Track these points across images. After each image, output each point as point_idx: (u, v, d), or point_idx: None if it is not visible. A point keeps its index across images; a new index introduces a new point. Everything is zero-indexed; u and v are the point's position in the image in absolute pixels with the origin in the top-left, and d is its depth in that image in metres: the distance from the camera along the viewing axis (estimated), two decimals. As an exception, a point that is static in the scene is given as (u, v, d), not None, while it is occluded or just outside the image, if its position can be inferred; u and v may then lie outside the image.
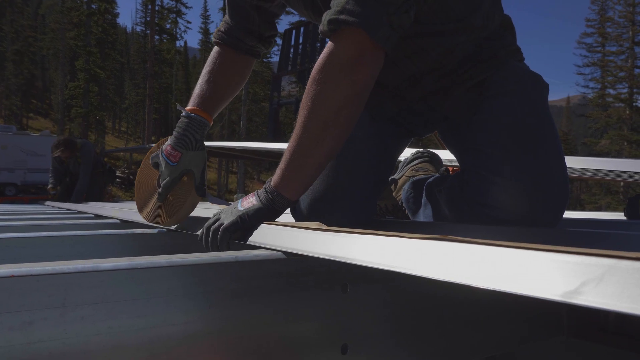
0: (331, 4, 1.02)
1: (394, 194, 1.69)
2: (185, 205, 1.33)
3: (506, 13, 1.34)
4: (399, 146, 1.48)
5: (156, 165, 1.38)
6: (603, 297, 0.40)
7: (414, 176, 1.67)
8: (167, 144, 1.35)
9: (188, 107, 1.37)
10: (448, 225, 1.12)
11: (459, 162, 1.35)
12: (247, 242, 0.96)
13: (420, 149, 1.90)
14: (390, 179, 1.73)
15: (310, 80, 1.02)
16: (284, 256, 0.81)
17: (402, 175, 1.73)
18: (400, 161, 1.78)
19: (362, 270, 0.85)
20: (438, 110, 1.36)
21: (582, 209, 39.42)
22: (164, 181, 1.34)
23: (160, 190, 1.35)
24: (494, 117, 1.21)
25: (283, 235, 0.86)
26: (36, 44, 40.11)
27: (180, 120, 1.37)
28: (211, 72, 1.44)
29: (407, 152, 1.79)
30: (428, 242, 0.57)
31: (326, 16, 1.01)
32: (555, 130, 1.22)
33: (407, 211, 1.57)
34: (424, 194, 1.49)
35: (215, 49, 1.49)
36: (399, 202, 1.64)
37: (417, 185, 1.57)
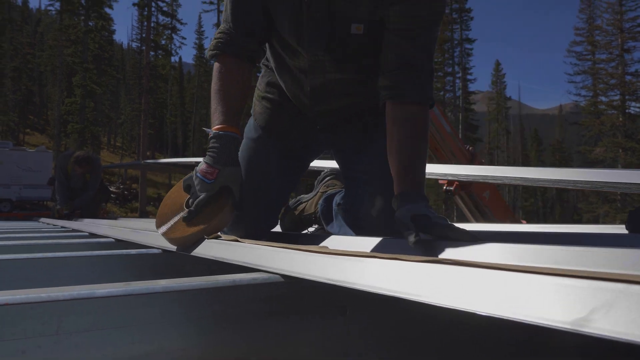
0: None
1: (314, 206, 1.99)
2: (216, 220, 1.29)
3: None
4: (302, 169, 1.78)
5: (188, 188, 1.38)
6: (615, 325, 0.38)
7: (325, 192, 1.97)
8: (202, 164, 1.35)
9: (215, 127, 1.38)
10: (430, 242, 1.11)
11: (344, 183, 1.71)
12: (244, 264, 0.94)
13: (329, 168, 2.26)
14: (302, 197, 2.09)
15: None
16: (281, 279, 0.80)
17: (317, 192, 2.03)
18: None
19: (361, 293, 0.84)
20: (332, 144, 1.71)
21: (580, 218, 39.40)
22: (198, 199, 1.32)
23: (191, 207, 1.32)
24: (376, 159, 1.52)
25: (280, 258, 0.84)
26: (34, 60, 40.20)
27: (211, 141, 1.37)
28: (223, 86, 1.42)
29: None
30: (431, 266, 0.56)
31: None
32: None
33: (323, 222, 1.87)
34: (333, 207, 1.79)
35: (218, 65, 1.46)
36: (317, 214, 1.91)
37: (328, 200, 1.88)
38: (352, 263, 0.67)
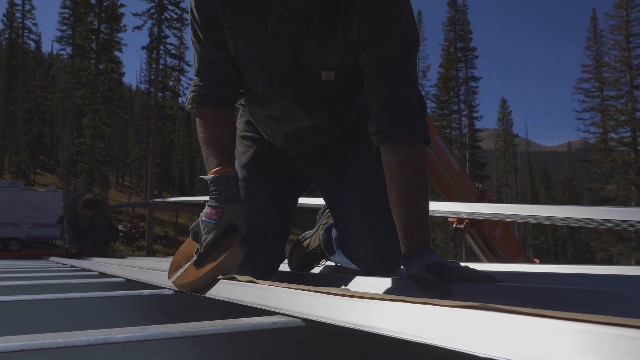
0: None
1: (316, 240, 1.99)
2: (226, 257, 1.27)
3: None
4: (292, 201, 1.80)
5: (196, 235, 1.38)
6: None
7: (326, 223, 1.93)
8: (205, 209, 1.36)
9: (211, 172, 1.39)
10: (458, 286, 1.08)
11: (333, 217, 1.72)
12: (261, 306, 0.91)
13: None
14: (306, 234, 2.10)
15: None
16: (302, 323, 0.77)
17: (319, 225, 2.00)
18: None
19: (383, 337, 0.81)
20: (313, 179, 1.75)
21: (593, 257, 38.80)
22: (206, 240, 1.31)
23: (201, 250, 1.31)
24: (354, 192, 1.58)
25: (300, 300, 0.82)
26: (46, 103, 40.90)
27: (210, 186, 1.38)
28: (210, 134, 1.44)
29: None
30: (466, 312, 0.54)
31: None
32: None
33: (326, 253, 1.87)
34: (332, 238, 1.78)
35: (200, 115, 1.47)
36: (321, 246, 1.91)
37: (328, 231, 1.85)
38: (378, 307, 0.65)
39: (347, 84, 1.41)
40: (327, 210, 2.04)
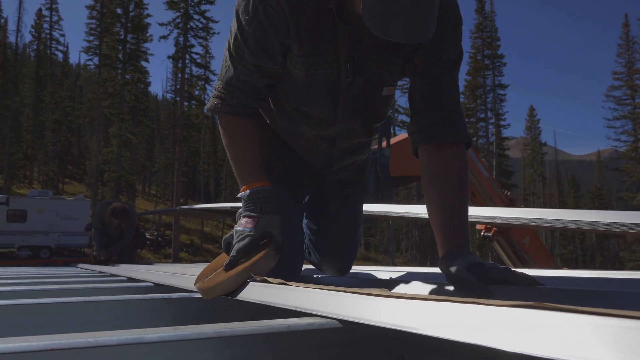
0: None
1: None
2: (260, 260, 1.23)
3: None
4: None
5: (227, 246, 1.35)
6: None
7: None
8: (240, 220, 1.34)
9: (244, 187, 1.37)
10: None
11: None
12: (295, 308, 0.88)
13: None
14: None
15: None
16: (339, 325, 0.74)
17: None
18: None
19: (421, 340, 0.77)
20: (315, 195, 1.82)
21: (622, 267, 37.83)
22: (239, 245, 1.28)
23: (233, 253, 1.27)
24: (335, 219, 1.79)
25: (337, 302, 0.79)
26: (74, 113, 41.85)
27: (247, 199, 1.35)
28: (241, 144, 1.42)
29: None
30: (520, 311, 0.50)
31: None
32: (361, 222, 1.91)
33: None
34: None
35: (226, 125, 1.43)
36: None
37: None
38: (422, 307, 0.61)
39: (392, 101, 1.48)
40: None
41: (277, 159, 1.61)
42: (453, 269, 1.12)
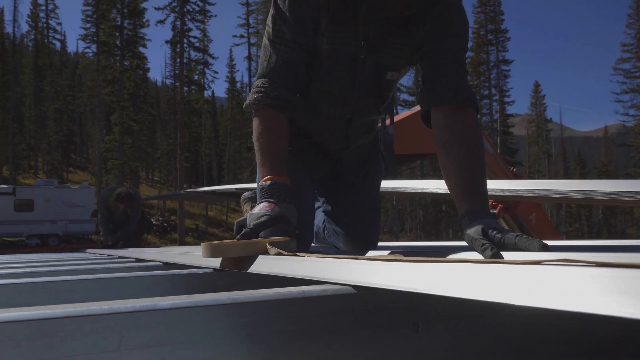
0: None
1: None
2: (277, 239, 1.22)
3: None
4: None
5: (240, 229, 1.36)
6: None
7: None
8: (257, 207, 1.37)
9: (267, 177, 1.42)
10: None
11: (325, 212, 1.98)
12: (308, 277, 0.88)
13: None
14: None
15: None
16: (353, 290, 0.73)
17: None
18: None
19: (435, 307, 0.77)
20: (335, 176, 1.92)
21: (627, 242, 37.69)
22: (257, 221, 1.29)
23: (250, 226, 1.27)
24: (356, 198, 1.88)
25: (351, 268, 0.78)
26: (74, 102, 41.76)
27: (265, 189, 1.41)
28: (271, 137, 1.48)
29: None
30: (540, 268, 0.49)
31: None
32: (380, 202, 1.97)
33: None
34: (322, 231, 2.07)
35: (261, 117, 1.50)
36: None
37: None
38: (440, 269, 0.60)
39: (395, 87, 1.65)
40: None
41: (295, 144, 1.67)
42: (471, 230, 1.13)
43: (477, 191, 1.25)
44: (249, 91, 1.56)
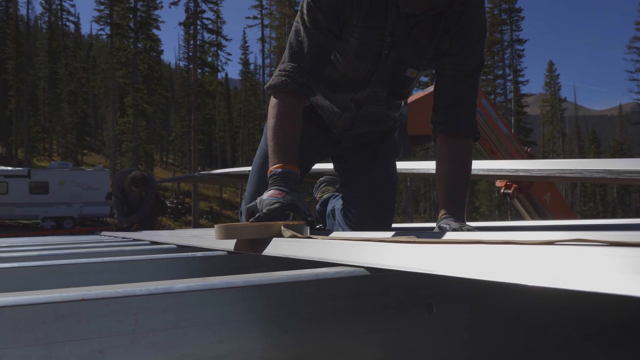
0: None
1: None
2: (291, 223, 1.21)
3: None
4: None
5: (251, 214, 1.37)
6: None
7: (321, 197, 2.45)
8: (266, 192, 1.39)
9: (279, 164, 1.45)
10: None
11: (341, 190, 2.13)
12: (322, 259, 0.87)
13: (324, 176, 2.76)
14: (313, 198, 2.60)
15: None
16: (367, 272, 0.73)
17: (315, 197, 2.51)
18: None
19: (449, 289, 0.76)
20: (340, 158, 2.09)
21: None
22: (270, 207, 1.31)
23: (264, 211, 1.29)
24: (367, 179, 1.98)
25: (365, 250, 0.77)
26: (88, 84, 41.97)
27: (273, 177, 1.43)
28: (286, 124, 1.51)
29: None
30: (555, 248, 0.48)
31: None
32: (396, 184, 2.06)
33: (321, 221, 2.33)
34: (327, 210, 2.25)
35: (279, 101, 1.52)
36: (316, 216, 2.33)
37: (323, 204, 2.36)
38: (454, 250, 0.59)
39: (413, 84, 1.76)
40: (323, 185, 2.60)
41: (307, 124, 1.72)
42: (440, 224, 1.41)
43: (455, 203, 1.51)
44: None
